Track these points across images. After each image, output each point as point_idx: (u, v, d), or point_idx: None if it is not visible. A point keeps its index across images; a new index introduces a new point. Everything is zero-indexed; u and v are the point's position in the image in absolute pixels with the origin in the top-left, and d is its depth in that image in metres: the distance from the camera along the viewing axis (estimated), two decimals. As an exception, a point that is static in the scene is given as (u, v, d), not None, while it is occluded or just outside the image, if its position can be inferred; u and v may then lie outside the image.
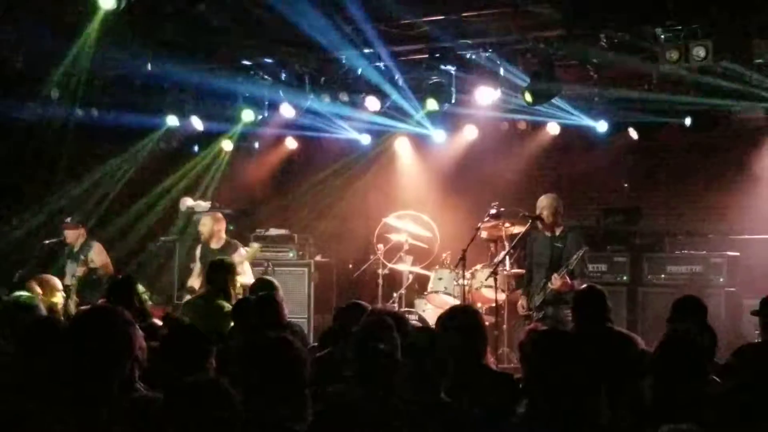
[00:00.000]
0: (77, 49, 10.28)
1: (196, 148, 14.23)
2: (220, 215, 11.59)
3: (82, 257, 11.20)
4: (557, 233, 9.93)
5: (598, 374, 4.26)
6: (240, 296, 8.27)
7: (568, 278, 9.50)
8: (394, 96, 11.64)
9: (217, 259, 8.98)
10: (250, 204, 14.26)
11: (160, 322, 7.42)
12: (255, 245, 11.70)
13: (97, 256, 11.38)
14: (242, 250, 11.05)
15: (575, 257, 9.52)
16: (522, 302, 10.17)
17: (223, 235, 11.30)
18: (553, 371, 3.93)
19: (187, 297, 9.03)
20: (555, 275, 9.60)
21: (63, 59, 10.66)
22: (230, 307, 7.71)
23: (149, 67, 11.16)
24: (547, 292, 9.73)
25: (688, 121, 11.49)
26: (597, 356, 4.71)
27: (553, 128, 12.69)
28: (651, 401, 4.78)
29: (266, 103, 12.34)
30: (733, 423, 2.89)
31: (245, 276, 10.37)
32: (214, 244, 11.13)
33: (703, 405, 3.94)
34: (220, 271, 8.46)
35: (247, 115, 12.45)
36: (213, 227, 11.22)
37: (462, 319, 5.76)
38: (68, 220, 11.75)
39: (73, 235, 11.61)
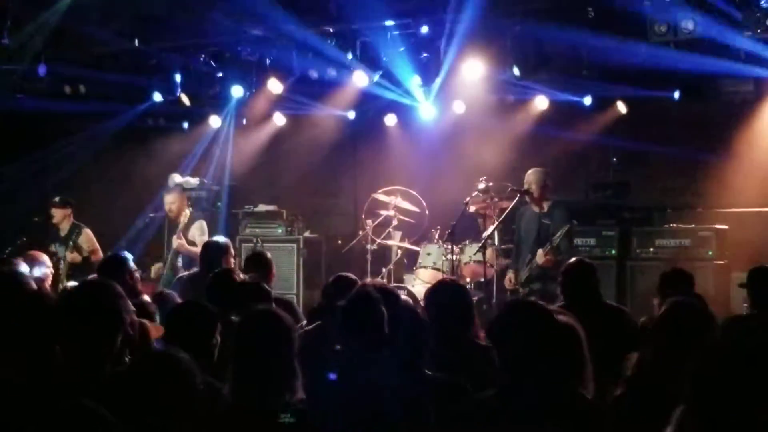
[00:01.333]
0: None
1: (185, 125, 14.20)
2: (183, 192, 11.53)
3: (71, 243, 11.07)
4: (545, 208, 9.96)
5: (572, 346, 4.26)
6: None
7: (552, 253, 9.55)
8: (382, 71, 11.64)
9: (210, 241, 8.98)
10: (238, 180, 14.22)
11: (149, 299, 7.41)
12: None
13: (87, 243, 11.20)
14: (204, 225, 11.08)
15: (560, 232, 9.56)
16: (510, 276, 10.21)
17: (188, 211, 11.10)
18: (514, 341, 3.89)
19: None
20: (540, 250, 9.64)
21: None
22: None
23: (136, 43, 11.13)
24: (533, 267, 9.77)
25: (676, 94, 11.50)
26: (585, 329, 4.73)
27: (541, 102, 12.68)
28: (648, 372, 4.79)
29: (254, 79, 12.29)
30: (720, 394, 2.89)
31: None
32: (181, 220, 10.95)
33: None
34: (215, 251, 8.47)
35: (236, 91, 12.43)
36: (180, 204, 11.14)
37: (448, 292, 5.78)
38: (56, 199, 11.57)
39: (61, 215, 11.37)
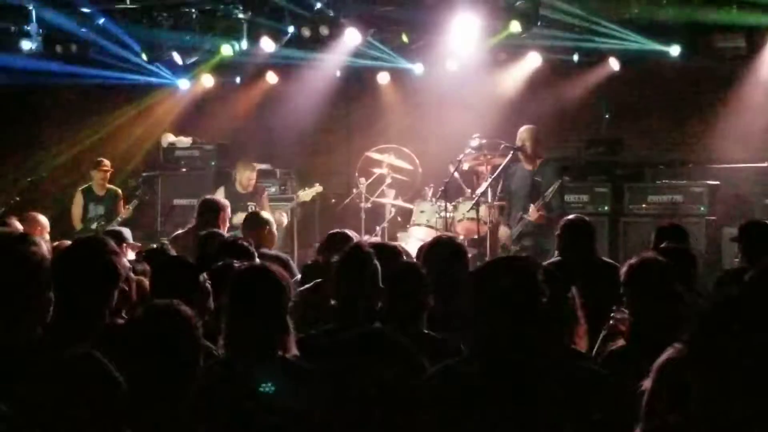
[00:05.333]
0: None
1: (177, 83, 14.16)
2: (251, 164, 12.10)
3: (109, 206, 11.76)
4: (536, 165, 10.01)
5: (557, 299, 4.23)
6: None
7: (544, 210, 9.61)
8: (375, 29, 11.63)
9: (208, 198, 9.02)
10: (231, 139, 14.21)
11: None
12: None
13: (122, 209, 11.85)
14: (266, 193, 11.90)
15: (551, 189, 9.63)
16: (502, 231, 10.29)
17: (253, 182, 11.87)
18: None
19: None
20: (532, 206, 9.70)
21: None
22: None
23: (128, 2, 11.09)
24: (525, 224, 9.84)
25: (673, 50, 11.46)
26: (579, 284, 4.77)
27: (534, 59, 12.64)
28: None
29: (245, 37, 12.24)
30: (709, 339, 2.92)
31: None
32: (242, 189, 11.75)
33: (677, 327, 3.99)
34: (210, 210, 8.51)
35: (226, 50, 12.39)
36: (250, 176, 11.82)
37: (446, 249, 5.80)
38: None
39: (99, 176, 11.99)
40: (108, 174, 12.05)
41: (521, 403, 3.42)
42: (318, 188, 12.30)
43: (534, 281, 3.50)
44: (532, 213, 9.71)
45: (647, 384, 3.04)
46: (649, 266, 4.80)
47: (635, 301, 4.76)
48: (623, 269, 4.88)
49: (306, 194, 12.18)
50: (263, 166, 13.40)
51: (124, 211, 11.67)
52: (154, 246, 8.06)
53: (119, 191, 12.11)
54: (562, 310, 4.43)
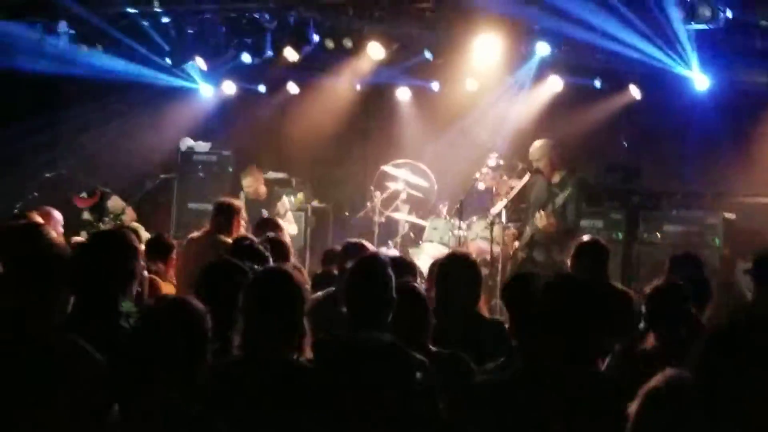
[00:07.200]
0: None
1: (200, 88, 14.23)
2: (257, 172, 12.06)
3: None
4: (557, 179, 10.04)
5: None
6: None
7: (554, 218, 9.62)
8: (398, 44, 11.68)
9: (223, 200, 9.00)
10: (249, 146, 14.26)
11: None
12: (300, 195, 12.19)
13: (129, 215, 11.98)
14: (285, 200, 11.52)
15: (562, 196, 9.63)
16: (512, 233, 10.39)
17: (263, 189, 11.86)
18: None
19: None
20: (541, 212, 9.71)
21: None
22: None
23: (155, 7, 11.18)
24: (533, 229, 9.87)
25: (697, 80, 11.38)
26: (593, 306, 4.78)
27: (555, 82, 12.63)
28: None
29: (268, 46, 12.29)
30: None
31: (290, 226, 11.04)
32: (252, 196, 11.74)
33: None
34: (223, 213, 8.53)
35: (251, 58, 12.45)
36: (251, 182, 11.77)
37: (459, 265, 5.81)
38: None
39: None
40: None
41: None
42: (300, 197, 12.20)
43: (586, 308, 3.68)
44: (541, 218, 9.73)
45: (633, 407, 3.08)
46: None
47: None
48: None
49: (289, 203, 11.81)
50: (279, 175, 13.45)
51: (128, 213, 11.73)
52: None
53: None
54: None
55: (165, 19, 12.15)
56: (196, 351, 3.39)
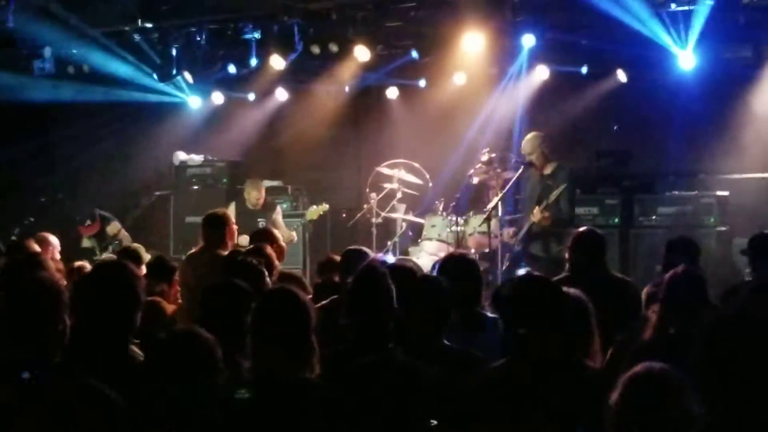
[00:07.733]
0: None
1: (188, 101, 14.25)
2: (259, 182, 12.02)
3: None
4: (548, 170, 10.06)
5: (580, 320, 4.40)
6: None
7: (549, 212, 9.67)
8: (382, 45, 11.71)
9: (210, 214, 8.88)
10: (242, 156, 14.29)
11: None
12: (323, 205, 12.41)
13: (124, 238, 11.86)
14: (279, 209, 11.82)
15: (555, 192, 9.67)
16: (506, 232, 10.42)
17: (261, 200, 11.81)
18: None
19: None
20: (536, 207, 9.75)
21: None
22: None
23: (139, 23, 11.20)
24: (529, 224, 9.92)
25: (680, 60, 11.42)
26: (593, 299, 4.83)
27: (541, 72, 12.66)
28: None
29: (254, 54, 12.32)
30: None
31: (290, 233, 11.37)
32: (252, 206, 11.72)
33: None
34: (213, 226, 8.47)
35: (237, 68, 12.49)
36: (258, 194, 11.72)
37: (458, 266, 5.86)
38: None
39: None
40: None
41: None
42: (324, 206, 12.32)
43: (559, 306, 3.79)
44: (535, 214, 9.77)
45: (614, 396, 3.15)
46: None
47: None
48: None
49: (312, 213, 12.20)
50: (274, 183, 13.47)
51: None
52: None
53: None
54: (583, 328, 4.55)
55: (151, 36, 12.17)
56: (209, 381, 3.44)
